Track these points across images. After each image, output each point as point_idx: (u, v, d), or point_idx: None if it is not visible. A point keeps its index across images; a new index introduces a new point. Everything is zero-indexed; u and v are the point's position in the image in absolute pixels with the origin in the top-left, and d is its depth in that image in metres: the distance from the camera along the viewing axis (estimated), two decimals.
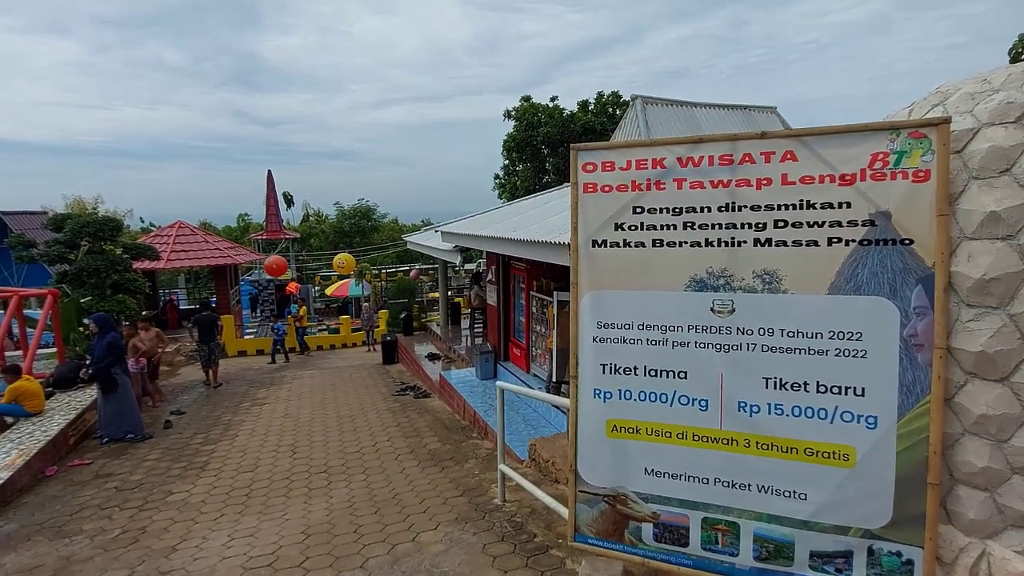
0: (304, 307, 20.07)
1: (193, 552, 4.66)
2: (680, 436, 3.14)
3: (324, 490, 5.93)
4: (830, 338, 2.81)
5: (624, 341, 3.23)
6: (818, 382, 2.85)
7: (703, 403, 3.08)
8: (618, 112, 28.00)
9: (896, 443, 2.71)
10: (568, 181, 3.53)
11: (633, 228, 3.19)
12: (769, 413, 2.94)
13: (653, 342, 3.17)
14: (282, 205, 36.97)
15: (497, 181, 32.87)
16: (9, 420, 7.87)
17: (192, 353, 13.31)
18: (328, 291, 28.40)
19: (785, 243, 2.88)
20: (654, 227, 3.14)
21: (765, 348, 2.93)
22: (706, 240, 3.03)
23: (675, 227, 3.09)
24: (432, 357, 13.89)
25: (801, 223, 2.85)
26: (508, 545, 4.19)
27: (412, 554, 4.27)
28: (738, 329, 2.98)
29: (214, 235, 23.93)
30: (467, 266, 22.69)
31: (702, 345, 3.06)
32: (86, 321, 9.76)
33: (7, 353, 10.36)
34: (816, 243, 2.82)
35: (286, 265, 22.37)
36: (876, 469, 2.74)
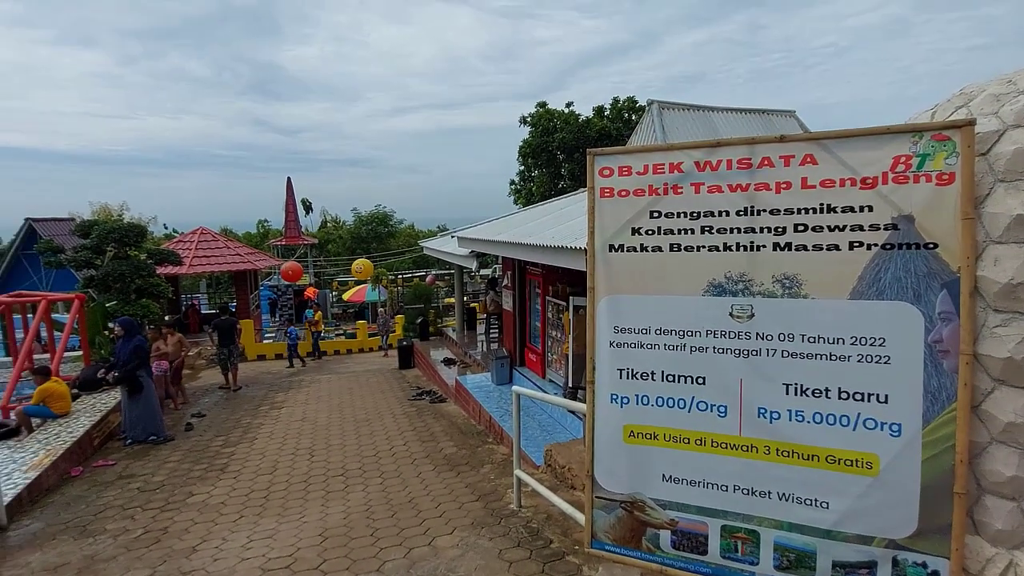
0: (319, 312, 20.26)
1: (213, 553, 4.72)
2: (698, 442, 3.11)
3: (341, 493, 5.97)
4: (852, 344, 2.76)
5: (641, 346, 3.22)
6: (840, 388, 2.80)
7: (722, 409, 3.05)
8: (634, 117, 27.94)
9: (921, 451, 2.65)
10: (584, 186, 3.53)
11: (650, 232, 3.18)
12: (790, 420, 2.90)
13: (671, 347, 3.15)
14: (301, 212, 37.47)
15: (513, 187, 32.95)
16: (36, 421, 8.06)
17: (213, 357, 13.52)
18: (345, 296, 28.66)
19: (805, 247, 2.85)
20: (671, 231, 3.13)
21: (785, 354, 2.90)
22: (724, 244, 3.01)
23: (693, 231, 3.07)
24: (448, 362, 13.93)
25: (821, 227, 2.81)
26: (524, 551, 4.17)
27: (428, 558, 4.28)
28: (757, 334, 2.95)
29: (235, 241, 24.32)
30: (483, 271, 22.76)
31: (720, 350, 3.03)
32: (111, 325, 9.99)
33: (35, 356, 10.62)
34: (837, 247, 2.79)
35: (301, 271, 22.63)
36: (900, 478, 2.68)
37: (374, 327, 20.95)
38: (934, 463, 2.62)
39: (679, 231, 3.11)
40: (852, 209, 2.75)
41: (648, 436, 3.23)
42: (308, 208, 44.22)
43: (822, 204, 2.81)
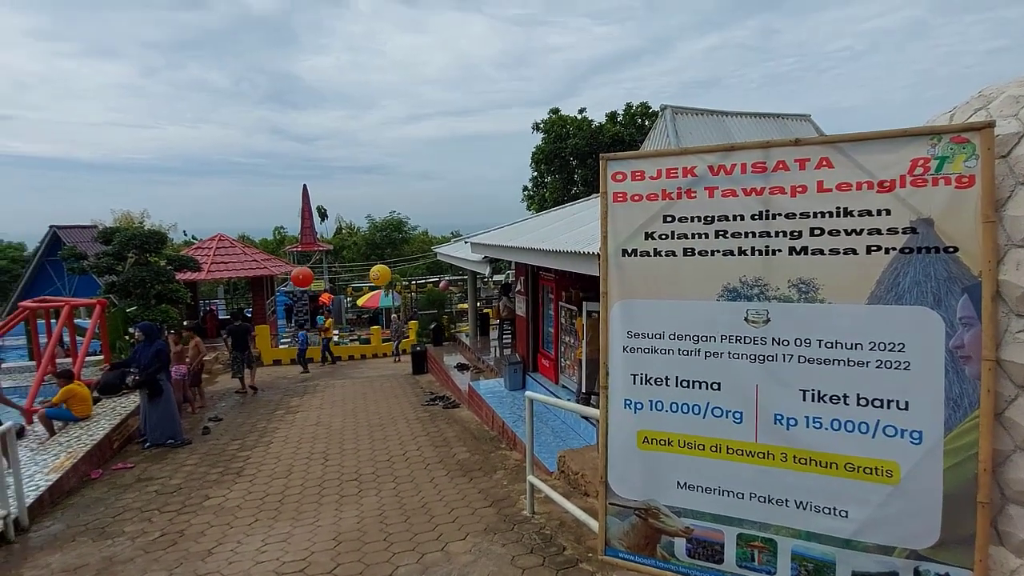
0: (330, 318, 20.39)
1: (228, 556, 4.76)
2: (713, 449, 3.08)
3: (355, 498, 5.99)
4: (871, 349, 2.72)
5: (655, 351, 3.20)
6: (858, 395, 2.76)
7: (737, 415, 3.02)
8: (647, 123, 27.89)
9: (943, 459, 2.60)
10: (597, 192, 3.53)
11: (664, 237, 3.17)
12: (807, 426, 2.86)
13: (685, 352, 3.13)
14: (316, 218, 37.85)
15: (526, 193, 33.01)
16: (58, 424, 8.21)
17: (229, 362, 13.70)
18: (359, 302, 28.86)
19: (822, 251, 2.82)
20: (685, 236, 3.11)
21: (802, 359, 2.86)
22: (739, 249, 2.99)
23: (707, 236, 3.06)
24: (461, 367, 13.94)
25: (838, 231, 2.78)
26: (537, 558, 4.15)
27: (441, 564, 4.27)
28: (773, 339, 2.92)
29: (252, 247, 24.65)
30: (496, 277, 22.79)
31: (736, 356, 3.00)
32: (132, 330, 10.17)
33: (58, 360, 10.84)
34: (854, 251, 2.75)
35: (312, 276, 22.85)
36: (922, 486, 2.63)
37: (387, 332, 21.06)
38: (957, 472, 2.57)
39: (693, 235, 3.10)
40: (869, 213, 2.72)
41: (662, 442, 3.20)
42: (323, 215, 44.68)
43: (838, 208, 2.78)
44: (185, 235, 38.67)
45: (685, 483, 3.15)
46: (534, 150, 31.09)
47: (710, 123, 16.92)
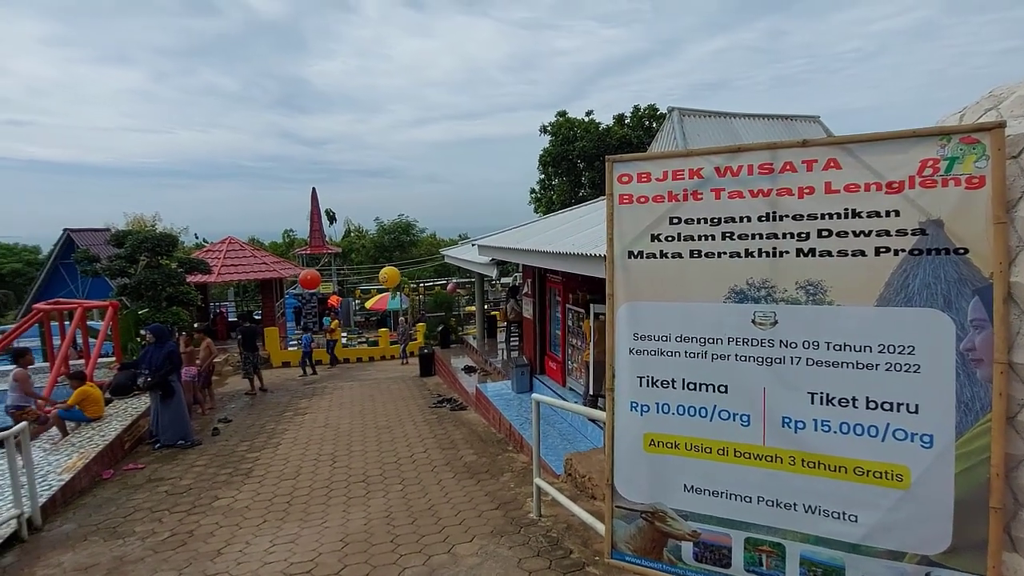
0: (336, 321, 20.46)
1: (237, 556, 4.78)
2: (721, 452, 3.06)
3: (362, 499, 6.00)
4: (880, 352, 2.70)
5: (661, 353, 3.19)
6: (868, 398, 2.73)
7: (744, 418, 3.00)
8: (655, 125, 27.84)
9: (954, 464, 2.56)
10: (604, 194, 3.52)
11: (670, 239, 3.16)
12: (815, 430, 2.83)
13: (691, 354, 3.11)
14: (325, 222, 38.07)
15: (533, 195, 33.04)
16: (71, 424, 8.31)
17: (239, 363, 13.81)
18: (367, 304, 28.98)
19: (830, 253, 2.80)
20: (691, 237, 3.10)
21: (810, 362, 2.84)
22: (746, 251, 2.97)
23: (713, 237, 3.04)
24: (468, 370, 13.96)
25: (846, 232, 2.76)
26: (544, 560, 4.13)
27: (448, 566, 4.27)
28: (781, 342, 2.90)
29: (261, 250, 24.83)
30: (503, 280, 22.80)
31: (743, 358, 2.99)
32: (143, 332, 10.27)
33: (71, 361, 10.97)
34: (863, 253, 2.73)
35: (319, 278, 22.98)
36: (933, 491, 2.60)
37: (395, 335, 21.14)
38: (968, 476, 2.54)
39: (699, 237, 3.08)
40: (878, 214, 2.70)
41: (669, 445, 3.19)
42: (332, 218, 44.95)
43: (847, 209, 2.76)
44: (196, 238, 39.07)
45: (692, 486, 3.13)
46: (541, 153, 31.12)
47: (718, 125, 16.85)
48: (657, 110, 29.79)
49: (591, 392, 8.73)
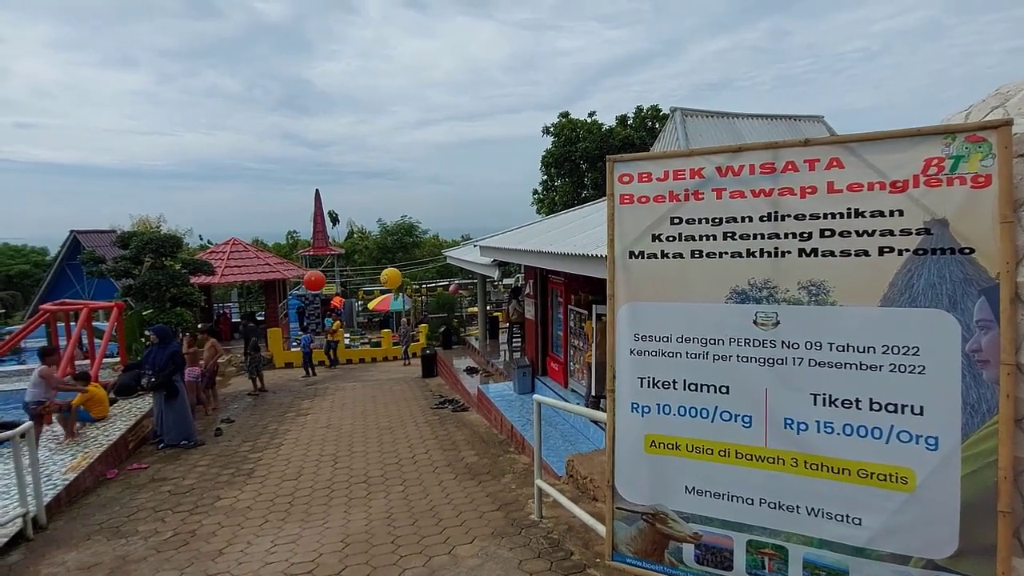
0: (338, 322, 20.43)
1: (238, 556, 4.78)
2: (722, 453, 3.03)
3: (363, 500, 5.99)
4: (883, 352, 2.66)
5: (662, 354, 3.16)
6: (871, 399, 2.70)
7: (746, 419, 2.97)
8: (657, 126, 27.79)
9: (961, 466, 2.53)
10: (606, 195, 3.50)
11: (671, 239, 3.13)
12: (818, 431, 2.80)
13: (693, 355, 3.08)
14: (328, 223, 38.15)
15: (536, 196, 33.02)
16: (76, 424, 8.33)
17: (241, 364, 13.86)
18: (370, 306, 29.01)
19: (832, 253, 2.77)
20: (693, 238, 3.07)
21: (813, 363, 2.81)
22: (747, 251, 2.95)
23: (715, 237, 3.02)
24: (470, 371, 13.94)
25: (849, 232, 2.73)
26: (544, 562, 4.11)
27: (448, 567, 4.25)
28: (783, 342, 2.87)
29: (265, 252, 24.90)
30: (506, 280, 22.78)
31: (745, 359, 2.96)
32: (147, 332, 10.30)
33: (76, 361, 11.01)
34: (866, 253, 2.70)
35: (324, 279, 23.01)
36: (938, 494, 2.56)
37: (397, 336, 21.15)
38: (975, 479, 2.50)
39: (701, 237, 3.06)
40: (882, 213, 2.67)
41: (670, 446, 3.16)
42: (335, 219, 45.07)
43: (850, 209, 2.73)
44: (201, 239, 39.23)
45: (693, 488, 3.10)
46: (544, 153, 31.11)
47: (720, 125, 16.80)
48: (660, 110, 29.75)
49: (593, 393, 8.70)
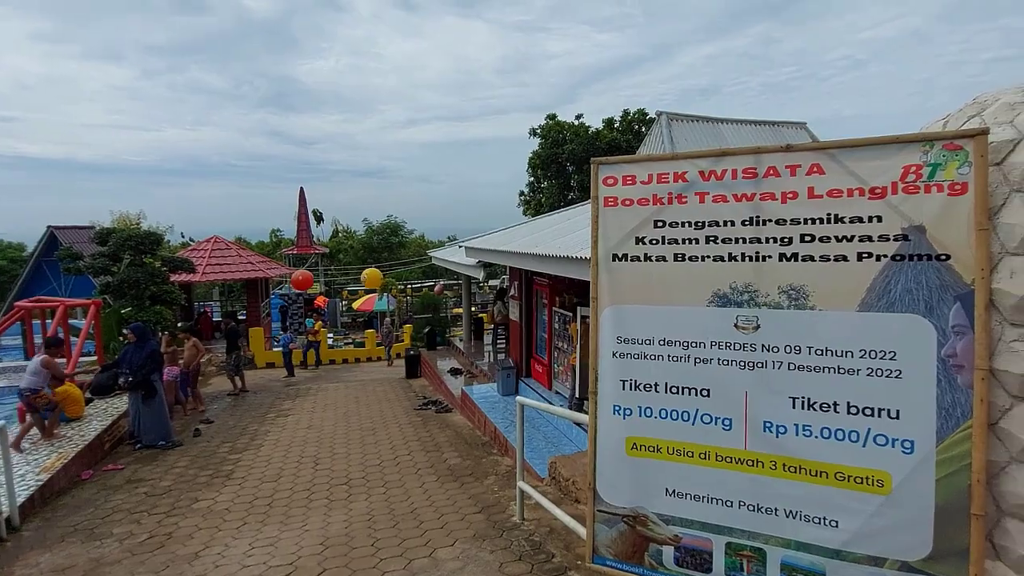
0: (319, 322, 20.16)
1: (215, 559, 4.70)
2: (703, 456, 3.04)
3: (344, 502, 5.93)
4: (861, 357, 2.70)
5: (645, 357, 3.17)
6: (849, 403, 2.73)
7: (727, 422, 2.99)
8: (644, 129, 27.97)
9: (935, 470, 2.56)
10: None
11: (654, 242, 3.14)
12: (797, 434, 2.83)
13: (674, 358, 3.09)
14: (312, 222, 37.82)
15: (522, 198, 33.05)
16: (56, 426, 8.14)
17: (222, 363, 13.65)
18: (354, 305, 28.80)
19: (812, 258, 2.79)
20: (676, 241, 3.09)
21: (792, 366, 2.83)
22: (729, 255, 2.96)
23: (697, 241, 3.03)
24: (454, 372, 13.89)
25: (829, 237, 2.76)
26: (525, 565, 4.09)
27: (428, 570, 4.22)
28: (763, 346, 2.89)
29: (247, 250, 24.57)
30: (491, 282, 22.76)
31: (725, 362, 2.97)
32: (125, 331, 10.10)
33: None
34: (845, 258, 2.73)
35: (312, 279, 22.77)
36: (914, 497, 2.60)
37: (380, 336, 21.00)
38: (949, 482, 2.54)
39: (684, 241, 3.07)
40: (861, 219, 2.70)
41: (651, 449, 3.17)
42: (319, 218, 44.67)
43: (829, 214, 2.76)
44: (183, 237, 38.62)
45: (674, 490, 3.11)
46: (531, 155, 31.15)
47: (705, 130, 16.95)
48: (646, 114, 29.96)
49: (577, 395, 8.71)
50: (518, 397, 4.91)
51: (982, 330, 2.48)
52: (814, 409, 2.79)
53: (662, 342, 3.12)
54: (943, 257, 2.56)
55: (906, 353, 2.62)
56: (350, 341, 23.29)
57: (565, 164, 30.11)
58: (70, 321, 12.93)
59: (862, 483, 2.69)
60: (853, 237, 2.71)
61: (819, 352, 2.77)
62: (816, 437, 2.78)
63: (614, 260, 3.24)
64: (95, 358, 11.87)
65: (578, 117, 31.02)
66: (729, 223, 2.96)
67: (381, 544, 4.79)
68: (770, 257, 2.87)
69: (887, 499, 2.64)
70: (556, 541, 4.39)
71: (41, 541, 5.12)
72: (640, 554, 3.19)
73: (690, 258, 3.05)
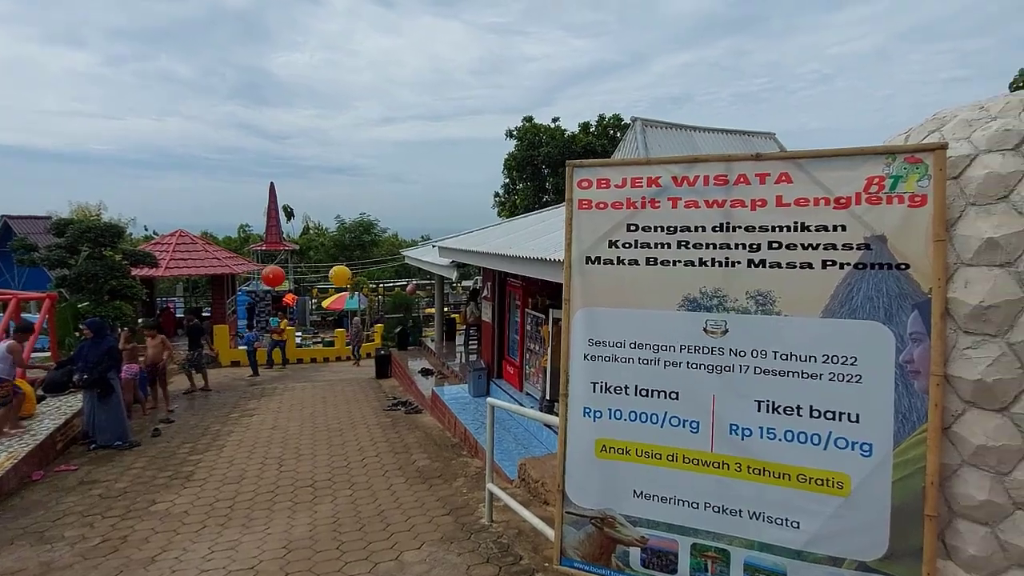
0: (285, 321, 19.69)
1: (172, 564, 4.56)
2: (670, 458, 3.08)
3: (309, 505, 5.81)
4: (823, 362, 2.76)
5: (615, 359, 3.19)
6: (811, 406, 2.79)
7: (694, 425, 3.02)
8: (619, 135, 28.29)
9: (892, 472, 2.64)
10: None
11: (627, 246, 3.16)
12: (761, 437, 2.88)
13: (645, 361, 3.12)
14: (282, 217, 37.09)
15: (497, 199, 33.04)
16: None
17: (184, 361, 13.24)
18: (324, 304, 28.33)
19: (779, 264, 2.85)
20: (648, 245, 3.12)
21: (758, 370, 2.89)
22: (700, 260, 3.01)
23: (669, 246, 3.07)
24: (425, 372, 13.78)
25: (795, 245, 2.82)
26: (493, 567, 4.07)
27: (394, 573, 4.16)
28: (731, 350, 2.94)
29: (214, 245, 23.95)
30: (464, 282, 22.67)
31: (694, 366, 3.01)
32: (81, 326, 9.71)
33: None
34: (810, 265, 2.80)
35: (283, 276, 22.29)
36: (871, 499, 2.67)
37: (350, 335, 20.68)
38: (905, 484, 2.62)
39: (656, 245, 3.10)
40: (826, 228, 2.77)
41: (620, 451, 3.18)
42: (290, 214, 43.85)
43: (796, 222, 2.83)
44: (146, 230, 37.39)
45: (641, 492, 3.13)
46: (506, 157, 31.18)
47: (679, 137, 17.24)
48: (621, 120, 30.29)
49: (548, 397, 8.73)
50: (489, 398, 4.89)
51: (938, 337, 2.57)
52: (778, 412, 2.85)
53: (633, 345, 3.14)
54: (903, 266, 2.64)
55: (866, 359, 2.69)
56: (319, 340, 22.88)
57: (540, 166, 30.23)
58: (23, 315, 12.38)
59: (823, 485, 2.76)
60: (818, 245, 2.78)
61: (784, 357, 2.84)
62: (780, 440, 2.84)
63: (587, 263, 3.25)
64: (49, 354, 11.40)
65: (555, 120, 31.21)
66: (700, 229, 3.00)
67: (346, 547, 4.71)
68: (739, 263, 2.92)
69: (846, 501, 2.71)
70: (524, 543, 4.38)
71: None
72: (607, 556, 3.21)
73: (662, 262, 3.09)
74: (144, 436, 8.51)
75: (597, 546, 3.23)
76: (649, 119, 17.41)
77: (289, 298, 26.65)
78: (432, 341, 17.73)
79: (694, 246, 3.01)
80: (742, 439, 2.91)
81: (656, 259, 3.10)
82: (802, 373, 2.80)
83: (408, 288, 27.32)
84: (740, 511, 2.92)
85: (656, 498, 3.10)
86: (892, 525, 2.63)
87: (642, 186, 3.14)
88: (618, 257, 3.18)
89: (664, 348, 3.07)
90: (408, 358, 16.03)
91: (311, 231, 45.08)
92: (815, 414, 2.78)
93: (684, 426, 3.04)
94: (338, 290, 26.96)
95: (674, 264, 3.06)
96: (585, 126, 31.07)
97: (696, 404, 3.01)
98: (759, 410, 2.88)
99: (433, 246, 14.45)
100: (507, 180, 32.02)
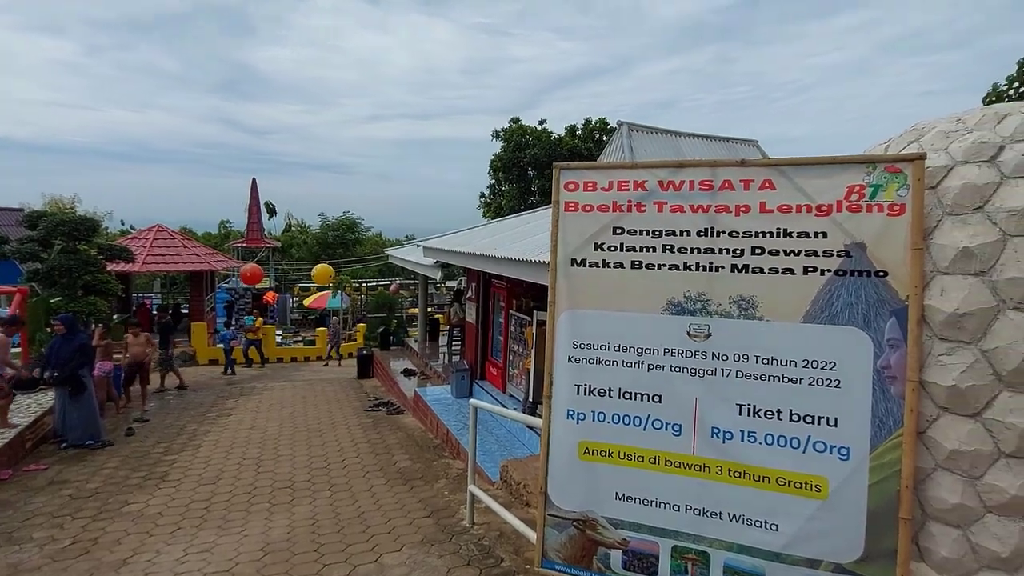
0: (260, 319, 19.36)
1: (145, 566, 4.46)
2: (652, 461, 3.09)
3: (287, 506, 5.73)
4: (804, 367, 2.80)
5: (600, 362, 3.20)
6: (791, 410, 2.83)
7: (676, 428, 3.04)
8: (605, 138, 28.44)
9: (868, 476, 2.69)
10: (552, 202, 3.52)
11: (612, 249, 3.18)
12: (742, 440, 2.91)
13: (628, 364, 3.13)
14: (264, 214, 36.63)
15: (483, 200, 32.99)
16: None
17: (158, 359, 12.96)
18: (306, 302, 28.01)
19: (762, 270, 2.89)
20: (633, 248, 3.13)
21: (740, 374, 2.92)
22: (684, 264, 3.03)
23: (654, 249, 3.09)
24: (408, 373, 13.69)
25: (778, 251, 2.86)
26: (474, 570, 4.06)
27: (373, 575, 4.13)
28: (713, 354, 2.97)
29: (193, 240, 23.51)
30: (449, 283, 22.60)
31: (677, 369, 3.03)
32: (53, 321, 9.47)
33: None
34: (792, 271, 2.83)
35: (262, 274, 21.95)
36: (848, 502, 2.71)
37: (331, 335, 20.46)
38: (880, 488, 2.66)
39: (641, 248, 3.12)
40: (807, 235, 2.81)
41: (603, 453, 3.19)
42: (272, 211, 43.29)
43: (779, 228, 2.86)
44: (123, 224, 36.65)
45: (623, 494, 3.14)
46: (493, 158, 31.14)
47: (664, 142, 17.40)
48: (608, 123, 30.46)
49: (531, 399, 8.72)
50: (472, 400, 4.87)
51: (914, 344, 2.63)
52: (759, 416, 2.88)
53: (617, 348, 3.15)
54: (881, 274, 2.69)
55: (845, 364, 2.74)
56: (300, 339, 22.60)
57: (527, 168, 30.25)
58: None
59: (801, 488, 2.80)
60: (800, 251, 2.82)
61: (765, 361, 2.87)
62: (760, 443, 2.87)
63: (573, 265, 3.26)
64: (19, 350, 11.09)
65: (541, 122, 31.25)
66: (685, 233, 3.03)
67: (325, 549, 4.65)
68: (723, 268, 2.95)
69: (824, 503, 2.75)
70: (505, 545, 4.37)
71: None
72: (588, 558, 3.21)
73: (647, 266, 3.10)
74: (117, 435, 8.32)
75: (579, 548, 3.23)
76: (635, 123, 17.56)
77: (269, 296, 26.29)
78: (415, 341, 17.62)
79: (679, 250, 3.04)
80: (723, 442, 2.94)
81: (641, 262, 3.11)
82: (783, 377, 2.84)
83: (391, 288, 27.15)
84: (720, 513, 2.94)
85: (638, 500, 3.11)
86: (868, 527, 2.67)
87: (628, 189, 3.15)
88: (603, 260, 3.19)
89: (648, 351, 3.09)
90: (390, 358, 15.91)
91: (294, 228, 44.55)
92: (795, 418, 2.82)
93: (667, 429, 3.06)
94: (320, 288, 26.68)
95: (659, 268, 3.08)
96: (572, 129, 31.18)
97: (679, 407, 3.03)
98: (740, 413, 2.91)
99: (418, 246, 14.37)
100: (493, 181, 31.99)
